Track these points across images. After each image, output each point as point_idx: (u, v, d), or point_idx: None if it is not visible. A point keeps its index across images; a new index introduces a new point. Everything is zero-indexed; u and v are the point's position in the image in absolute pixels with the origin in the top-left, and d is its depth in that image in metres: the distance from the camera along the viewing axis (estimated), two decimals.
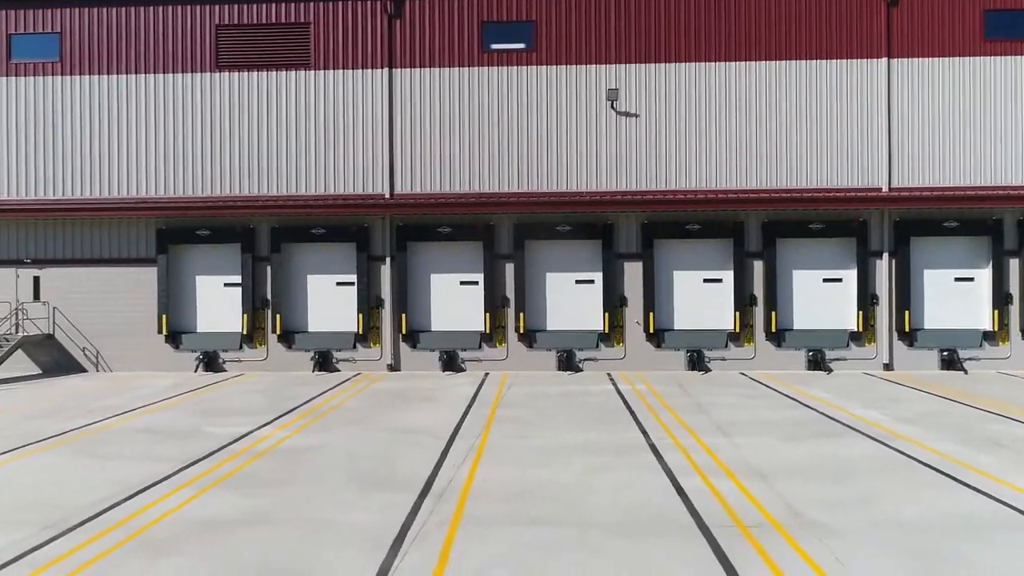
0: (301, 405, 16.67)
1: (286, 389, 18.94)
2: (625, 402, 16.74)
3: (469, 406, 16.40)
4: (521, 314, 21.80)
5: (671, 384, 19.24)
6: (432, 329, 22.32)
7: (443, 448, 12.49)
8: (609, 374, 21.22)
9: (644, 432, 13.56)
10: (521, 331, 21.79)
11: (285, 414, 15.65)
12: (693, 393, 17.82)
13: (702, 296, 21.97)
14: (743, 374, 21.07)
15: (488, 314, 21.85)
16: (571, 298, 22.12)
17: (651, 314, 21.59)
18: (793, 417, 14.82)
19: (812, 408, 15.74)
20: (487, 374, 21.47)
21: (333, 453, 12.24)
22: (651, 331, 21.59)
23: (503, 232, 22.08)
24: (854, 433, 13.34)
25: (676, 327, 22.00)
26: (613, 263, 21.79)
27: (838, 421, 14.38)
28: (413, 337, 22.10)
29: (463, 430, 13.90)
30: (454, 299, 22.30)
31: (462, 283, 22.32)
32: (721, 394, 17.67)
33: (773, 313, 21.47)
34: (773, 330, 21.48)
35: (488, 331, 21.84)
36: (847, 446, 12.40)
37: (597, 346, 21.87)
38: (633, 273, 21.85)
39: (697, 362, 21.42)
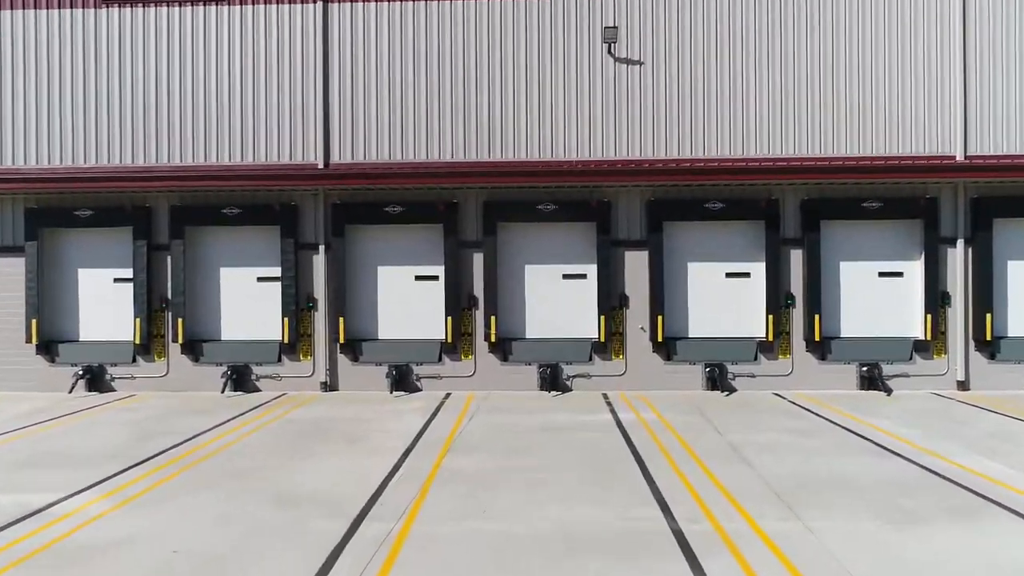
0: (174, 447, 11.78)
1: (171, 419, 14.03)
2: (629, 441, 11.91)
3: (409, 449, 11.54)
4: (493, 318, 16.92)
5: (688, 411, 14.40)
6: (379, 337, 17.43)
7: (336, 542, 7.62)
8: (605, 395, 16.37)
9: (662, 503, 8.72)
10: (493, 340, 16.92)
11: (138, 464, 10.77)
12: (721, 426, 12.98)
13: (725, 295, 17.14)
14: (778, 395, 16.25)
15: (450, 318, 16.97)
16: (557, 297, 17.27)
17: (659, 318, 16.74)
18: (883, 473, 9.99)
19: (899, 455, 10.91)
20: (448, 395, 16.59)
21: (140, 559, 7.33)
22: (659, 340, 16.75)
23: (470, 212, 17.22)
24: (992, 507, 8.52)
25: (691, 334, 17.16)
26: (611, 253, 16.94)
27: (950, 480, 9.56)
28: (354, 348, 17.21)
29: (384, 497, 9.05)
30: (407, 298, 17.42)
31: (418, 278, 17.44)
32: (760, 427, 12.84)
33: (816, 317, 16.65)
34: (816, 338, 16.66)
35: (450, 340, 16.96)
36: (1001, 537, 7.57)
37: (590, 359, 17.02)
38: (636, 265, 17.02)
39: (719, 379, 16.56)
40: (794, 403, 15.30)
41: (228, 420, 13.96)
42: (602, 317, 16.87)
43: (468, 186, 16.96)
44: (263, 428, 13.24)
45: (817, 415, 13.99)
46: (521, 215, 17.11)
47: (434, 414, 14.42)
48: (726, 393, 16.46)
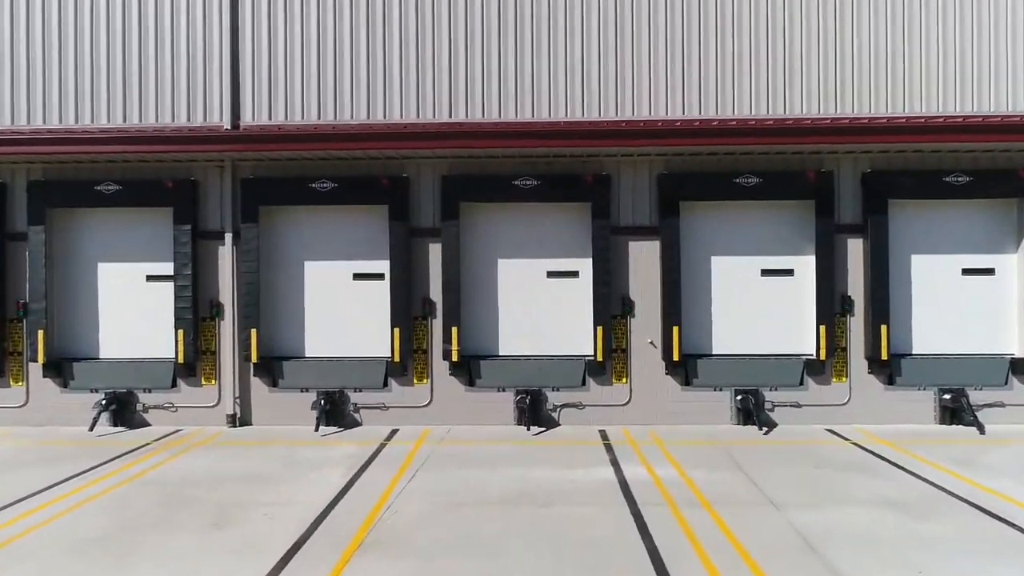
0: None
1: None
2: (642, 526, 7.79)
3: (299, 544, 7.38)
4: (455, 330, 12.75)
5: (720, 463, 10.26)
6: (305, 356, 13.24)
7: None
8: (604, 433, 12.22)
9: None
10: (455, 358, 12.74)
11: None
12: (774, 492, 8.84)
13: (761, 299, 13.00)
14: (833, 432, 12.15)
15: (398, 330, 12.78)
16: (540, 303, 13.11)
17: (675, 330, 12.58)
18: None
19: None
20: (394, 433, 12.41)
21: None
22: (675, 358, 12.60)
23: (425, 190, 13.05)
24: None
25: (717, 351, 13.01)
26: (611, 243, 12.78)
27: None
28: (272, 369, 13.01)
29: None
30: (342, 304, 13.24)
31: (357, 277, 13.26)
32: (833, 496, 8.71)
33: (883, 328, 12.52)
34: (882, 356, 12.52)
35: (399, 359, 12.78)
36: None
37: (583, 383, 12.86)
38: (644, 260, 12.88)
39: (754, 411, 12.40)
40: (862, 447, 11.15)
41: (67, 479, 9.76)
42: (599, 329, 12.70)
43: (422, 154, 12.77)
44: (104, 495, 9.04)
45: (906, 470, 9.84)
46: (492, 193, 12.93)
47: (365, 466, 10.24)
48: (765, 430, 12.30)
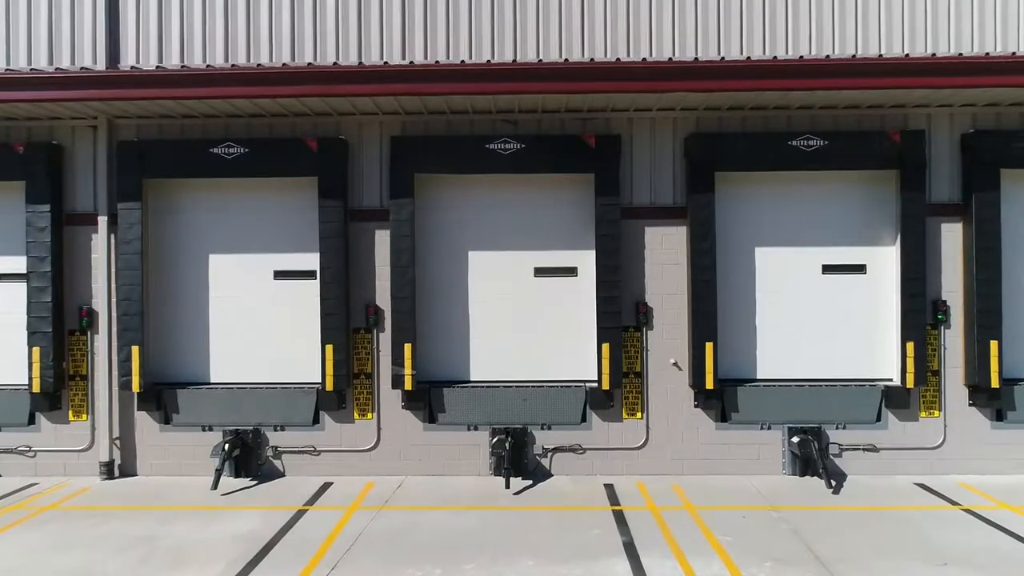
0: None
1: None
2: None
3: None
4: (408, 347, 9.36)
5: (790, 554, 6.92)
6: (209, 382, 9.82)
7: None
8: (611, 491, 8.86)
9: None
10: (409, 386, 9.35)
11: None
12: None
13: (823, 304, 9.62)
14: (925, 488, 8.81)
15: (332, 348, 9.37)
16: (526, 310, 9.76)
17: (708, 346, 9.21)
18: None
19: None
20: (324, 489, 9.02)
21: None
22: (707, 385, 9.24)
23: (369, 157, 9.70)
24: None
25: (764, 376, 9.65)
26: (621, 229, 9.42)
27: None
28: (164, 400, 9.61)
29: None
30: (259, 312, 9.86)
31: (279, 276, 9.87)
32: None
33: (993, 345, 9.13)
34: (992, 383, 9.15)
35: (332, 386, 9.38)
36: None
37: (583, 419, 9.50)
38: (666, 252, 9.54)
39: (817, 459, 8.98)
40: (983, 517, 7.79)
41: None
42: (605, 346, 9.31)
43: (362, 106, 9.37)
44: None
45: None
46: (460, 161, 9.53)
47: (256, 561, 6.82)
48: (832, 486, 8.91)
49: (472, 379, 9.78)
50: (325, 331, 9.40)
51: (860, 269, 9.61)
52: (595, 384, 9.46)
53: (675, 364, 9.51)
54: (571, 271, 9.74)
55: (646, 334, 9.54)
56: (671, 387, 9.52)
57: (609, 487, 8.98)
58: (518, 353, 9.72)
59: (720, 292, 9.37)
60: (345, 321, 9.44)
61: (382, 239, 9.59)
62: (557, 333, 9.71)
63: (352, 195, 9.59)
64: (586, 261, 9.63)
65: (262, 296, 9.82)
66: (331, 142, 9.47)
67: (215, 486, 8.84)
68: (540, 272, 9.75)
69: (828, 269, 9.63)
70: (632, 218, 9.51)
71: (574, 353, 9.66)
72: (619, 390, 9.43)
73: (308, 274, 9.74)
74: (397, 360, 9.39)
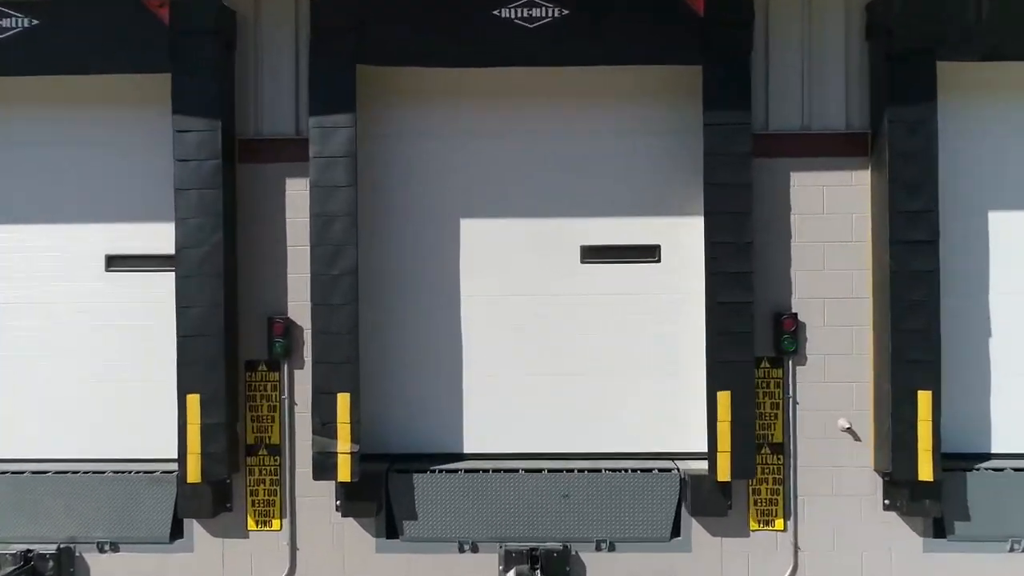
0: None
1: None
2: None
3: None
4: (345, 399, 4.88)
5: None
6: None
7: None
8: None
9: None
10: (345, 475, 4.85)
11: None
12: None
13: None
14: None
15: (195, 399, 4.86)
16: (562, 324, 5.29)
17: (923, 398, 4.72)
18: None
19: None
20: None
21: None
22: (922, 474, 4.71)
23: (272, 37, 5.18)
24: None
25: (1007, 448, 5.10)
26: (751, 174, 4.82)
27: None
28: None
29: None
30: (76, 329, 5.33)
31: (112, 264, 5.33)
32: None
33: (922, 400, 4.96)
34: (922, 472, 4.87)
35: (200, 471, 4.94)
36: None
37: (676, 532, 5.08)
38: (826, 219, 5.19)
39: None
40: None
41: None
42: (723, 395, 4.87)
43: None
44: None
45: None
46: (444, 44, 5.05)
47: None
48: None
49: (467, 451, 5.34)
50: (184, 368, 4.91)
51: None
52: (699, 466, 5.01)
53: (849, 429, 5.05)
54: (648, 252, 5.31)
55: (791, 371, 5.09)
56: (840, 472, 5.09)
57: None
58: (550, 406, 5.30)
59: (944, 296, 4.88)
60: (224, 348, 4.95)
61: (298, 196, 5.11)
62: (622, 367, 5.26)
63: (242, 113, 5.12)
64: (677, 235, 5.26)
65: (82, 301, 5.33)
66: (199, 9, 4.95)
67: None
68: (591, 254, 5.32)
69: None
70: (768, 155, 5.05)
71: (654, 405, 5.23)
72: (743, 469, 4.96)
73: (161, 260, 5.23)
74: (324, 421, 4.92)
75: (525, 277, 5.35)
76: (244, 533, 5.17)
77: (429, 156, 5.31)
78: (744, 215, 4.89)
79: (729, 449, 4.86)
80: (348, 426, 4.91)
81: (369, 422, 5.19)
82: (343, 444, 4.90)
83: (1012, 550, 5.03)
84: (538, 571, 4.92)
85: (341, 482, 4.97)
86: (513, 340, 5.36)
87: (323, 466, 4.93)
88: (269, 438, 5.21)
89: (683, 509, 5.08)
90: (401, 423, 5.38)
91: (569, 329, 5.35)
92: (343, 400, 4.93)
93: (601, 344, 5.34)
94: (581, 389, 5.36)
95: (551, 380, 5.36)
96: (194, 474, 4.92)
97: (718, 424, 4.88)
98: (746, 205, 4.90)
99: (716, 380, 4.91)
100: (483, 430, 5.39)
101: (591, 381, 5.36)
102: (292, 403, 5.20)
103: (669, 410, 5.31)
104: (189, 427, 4.93)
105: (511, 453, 5.36)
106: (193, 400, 4.92)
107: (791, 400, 5.10)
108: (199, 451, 4.92)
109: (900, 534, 5.06)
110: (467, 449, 5.40)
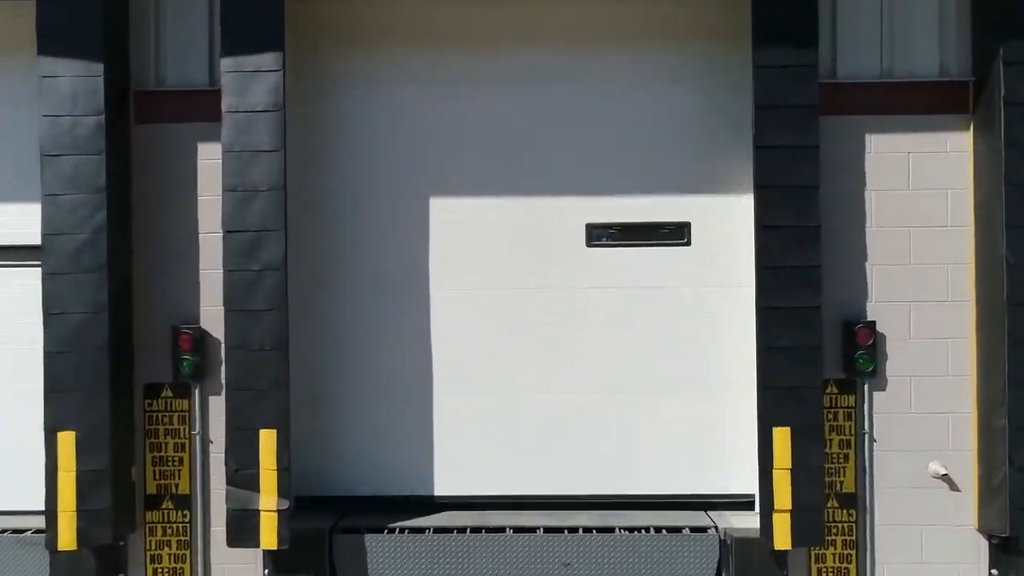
0: None
1: None
2: None
3: None
4: (269, 436, 3.56)
5: None
6: None
7: None
8: None
9: None
10: (270, 541, 3.59)
11: None
12: None
13: None
14: None
15: (69, 436, 3.66)
16: (564, 331, 4.09)
17: None
18: None
19: None
20: None
21: None
22: None
23: None
24: None
25: None
26: (817, 133, 3.60)
27: None
28: None
29: None
30: None
31: None
32: None
33: None
34: None
35: (76, 536, 3.69)
36: None
37: None
38: (913, 196, 3.97)
39: None
40: None
41: None
42: (780, 432, 3.59)
43: None
44: None
45: None
46: None
47: None
48: None
49: (438, 494, 4.16)
50: (54, 396, 3.65)
51: None
52: (745, 523, 3.79)
53: (944, 476, 3.80)
54: (675, 233, 4.04)
55: (867, 398, 3.85)
56: (932, 533, 3.85)
57: None
58: (547, 434, 4.07)
59: None
60: (111, 368, 3.69)
61: (213, 166, 3.85)
62: (639, 385, 4.05)
63: (139, 55, 3.90)
64: (713, 212, 4.04)
65: None
66: None
67: None
68: (599, 236, 4.08)
69: None
70: (834, 111, 3.80)
71: (683, 434, 4.02)
72: (804, 522, 3.72)
73: (28, 252, 3.96)
74: (238, 468, 3.66)
75: (514, 267, 4.13)
76: None
77: (387, 113, 4.05)
78: (810, 190, 3.64)
79: (790, 507, 3.60)
80: (274, 474, 3.65)
81: (306, 464, 3.94)
82: (267, 499, 3.64)
83: None
84: None
85: (268, 552, 3.72)
86: (498, 349, 4.10)
87: (240, 528, 3.68)
88: (176, 486, 3.96)
89: (726, 555, 3.82)
90: (351, 457, 4.14)
91: (571, 333, 4.12)
92: (267, 438, 3.67)
93: (612, 353, 4.08)
94: (587, 412, 4.15)
95: (547, 400, 4.14)
96: (67, 539, 3.66)
97: (774, 472, 3.63)
98: (812, 176, 3.65)
99: (770, 412, 3.66)
100: (459, 466, 4.17)
101: (599, 402, 4.17)
102: (207, 440, 3.95)
103: (702, 440, 4.08)
104: (60, 475, 3.67)
105: (495, 497, 4.14)
106: (66, 439, 3.66)
107: (867, 437, 3.85)
108: (73, 508, 3.65)
109: None
110: (438, 491, 4.17)
